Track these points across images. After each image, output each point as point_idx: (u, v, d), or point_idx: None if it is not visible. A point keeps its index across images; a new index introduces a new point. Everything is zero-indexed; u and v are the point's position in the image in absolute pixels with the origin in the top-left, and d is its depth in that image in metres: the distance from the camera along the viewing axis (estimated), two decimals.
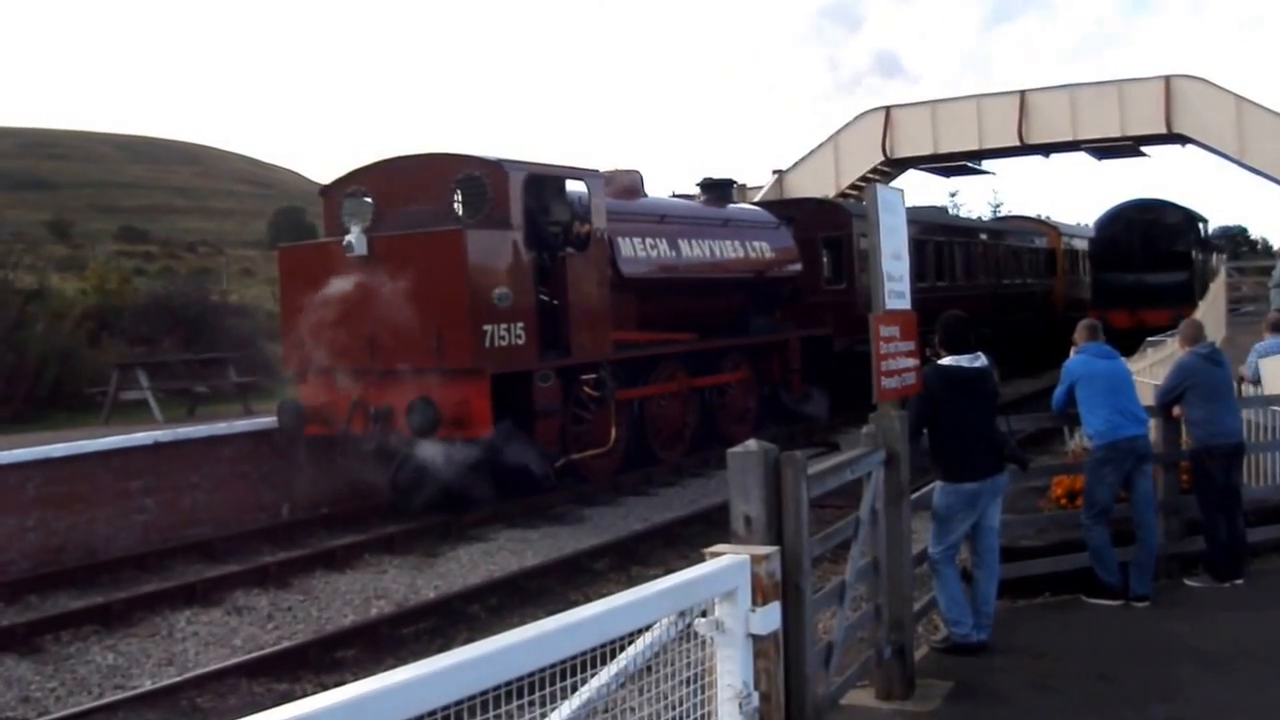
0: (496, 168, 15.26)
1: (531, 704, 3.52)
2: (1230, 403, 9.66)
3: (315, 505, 15.88)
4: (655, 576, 4.81)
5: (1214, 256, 41.44)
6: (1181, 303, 28.31)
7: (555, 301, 15.75)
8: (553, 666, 3.57)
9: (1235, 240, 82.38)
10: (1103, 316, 27.93)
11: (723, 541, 5.12)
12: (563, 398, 15.63)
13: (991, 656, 7.72)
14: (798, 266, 22.05)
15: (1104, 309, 29.19)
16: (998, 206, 60.00)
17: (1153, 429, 9.52)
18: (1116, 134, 33.51)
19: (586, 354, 16.02)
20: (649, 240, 18.12)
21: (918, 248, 23.75)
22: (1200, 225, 35.92)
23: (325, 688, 7.55)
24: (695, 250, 19.21)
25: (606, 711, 3.95)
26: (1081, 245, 39.56)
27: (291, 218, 62.27)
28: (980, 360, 7.82)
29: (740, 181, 28.13)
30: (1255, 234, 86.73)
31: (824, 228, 23.77)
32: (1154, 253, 32.11)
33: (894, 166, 36.56)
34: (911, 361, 7.20)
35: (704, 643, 4.48)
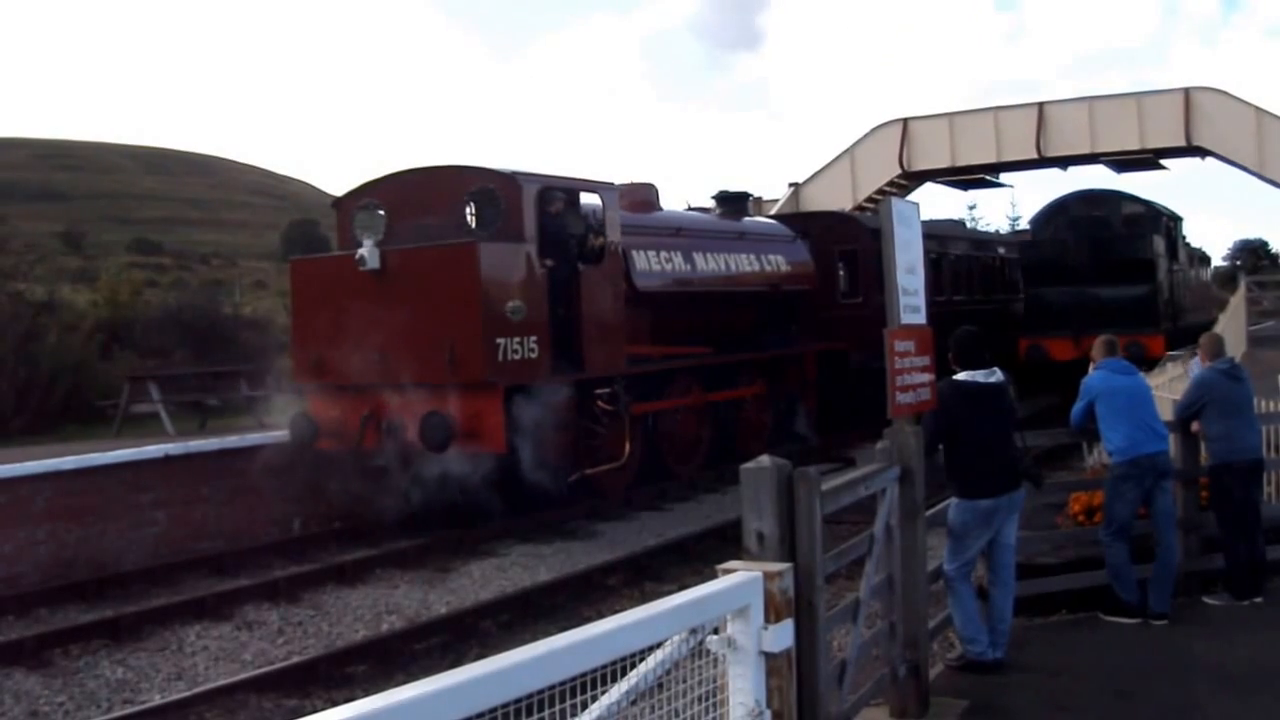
0: (510, 180, 15.24)
1: None
2: (1250, 418, 9.58)
3: (326, 519, 15.84)
4: (669, 592, 4.77)
5: (1194, 267, 34.77)
6: (1142, 325, 23.84)
7: (569, 315, 15.70)
8: (564, 683, 3.55)
9: (1256, 254, 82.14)
10: (1037, 344, 25.59)
11: (738, 557, 5.08)
12: (576, 412, 15.56)
13: (1007, 675, 7.65)
14: (814, 280, 22.00)
15: (1039, 334, 25.39)
16: (1015, 219, 59.77)
17: (1172, 445, 9.44)
18: (1135, 146, 33.32)
19: (600, 368, 15.97)
20: (664, 253, 18.09)
21: (933, 262, 23.54)
22: (1170, 225, 28.99)
23: (335, 703, 7.49)
24: (710, 264, 19.17)
25: None
26: None
27: (305, 230, 62.53)
28: (996, 375, 7.76)
29: (756, 194, 28.10)
30: (1277, 248, 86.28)
31: (840, 241, 23.57)
32: (1105, 259, 25.51)
33: (911, 179, 36.58)
34: (927, 377, 7.14)
35: (716, 660, 4.46)
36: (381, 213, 15.61)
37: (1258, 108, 31.92)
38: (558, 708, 3.55)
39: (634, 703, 3.96)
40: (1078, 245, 25.96)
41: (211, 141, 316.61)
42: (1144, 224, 27.27)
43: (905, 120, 35.75)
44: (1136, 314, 24.30)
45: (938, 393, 7.32)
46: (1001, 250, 31.14)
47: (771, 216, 26.23)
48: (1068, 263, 25.70)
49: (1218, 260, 73.66)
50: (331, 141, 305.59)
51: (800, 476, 5.25)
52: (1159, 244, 26.54)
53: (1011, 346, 25.23)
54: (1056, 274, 25.63)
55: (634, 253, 17.24)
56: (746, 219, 21.96)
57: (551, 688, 3.48)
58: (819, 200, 34.62)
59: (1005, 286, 29.73)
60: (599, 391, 16.03)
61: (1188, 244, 33.30)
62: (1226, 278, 57.91)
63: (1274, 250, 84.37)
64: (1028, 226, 32.29)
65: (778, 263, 21.10)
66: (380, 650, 10.11)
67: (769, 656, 4.56)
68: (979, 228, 48.02)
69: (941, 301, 23.90)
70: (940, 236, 26.15)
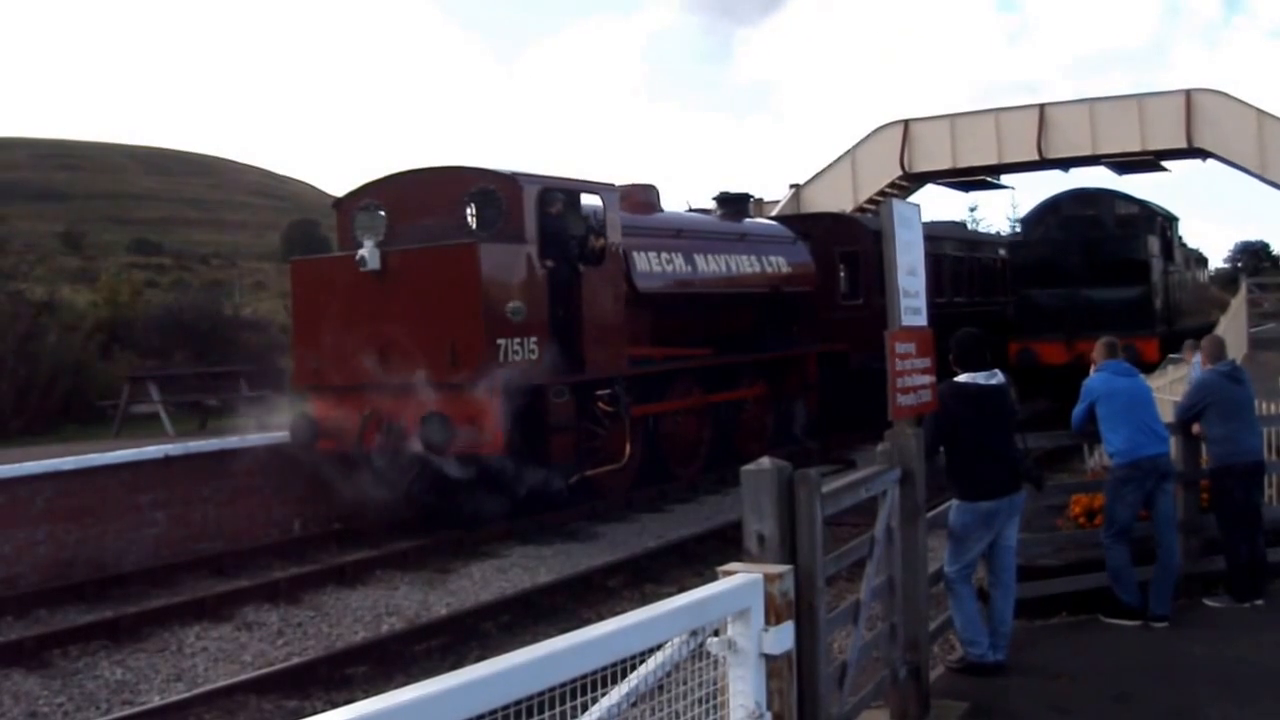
0: (510, 181, 15.23)
1: None
2: (1250, 421, 9.56)
3: (327, 520, 15.82)
4: (669, 594, 4.76)
5: (1191, 268, 33.29)
6: (1136, 328, 22.56)
7: (570, 316, 15.68)
8: (564, 685, 3.54)
9: (1257, 256, 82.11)
10: (1027, 348, 24.88)
11: (738, 559, 5.06)
12: (577, 413, 15.55)
13: (1008, 677, 7.64)
14: (814, 282, 21.98)
15: (1030, 338, 24.52)
16: (1016, 221, 59.68)
17: (1172, 447, 9.43)
18: (1137, 148, 33.23)
19: (601, 369, 15.95)
20: (665, 255, 18.07)
21: (934, 263, 23.40)
22: (1166, 225, 27.96)
23: (335, 705, 7.47)
24: (711, 265, 19.16)
25: None
26: None
27: (305, 230, 62.57)
28: (997, 377, 7.75)
29: (757, 195, 28.05)
30: (1278, 250, 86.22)
31: (841, 242, 23.51)
32: (1097, 260, 24.51)
33: (912, 181, 36.53)
34: (927, 379, 7.12)
35: (716, 662, 4.44)
36: (382, 213, 15.61)
37: (1259, 109, 31.87)
38: (558, 709, 3.53)
39: (634, 705, 3.94)
40: (1069, 246, 25.19)
41: (212, 142, 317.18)
42: (1138, 224, 26.40)
43: (906, 122, 35.72)
44: (1130, 316, 23.39)
45: (938, 394, 7.30)
46: (1002, 252, 30.88)
47: (772, 218, 26.18)
48: (1059, 264, 24.91)
49: (1219, 262, 73.77)
50: (332, 142, 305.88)
51: (801, 478, 5.23)
52: (1153, 244, 25.69)
53: (1001, 350, 24.24)
54: (1047, 275, 24.85)
55: (635, 254, 17.22)
56: (747, 220, 21.94)
57: (552, 689, 3.47)
58: (820, 202, 34.58)
59: (1006, 288, 29.00)
60: (600, 392, 16.01)
61: (1184, 244, 32.44)
62: (1227, 280, 57.88)
63: (1275, 252, 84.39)
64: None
65: (779, 264, 21.09)
66: (380, 652, 10.10)
67: (769, 658, 4.55)
68: (980, 229, 47.90)
69: (942, 303, 23.41)
70: (941, 238, 25.70)
